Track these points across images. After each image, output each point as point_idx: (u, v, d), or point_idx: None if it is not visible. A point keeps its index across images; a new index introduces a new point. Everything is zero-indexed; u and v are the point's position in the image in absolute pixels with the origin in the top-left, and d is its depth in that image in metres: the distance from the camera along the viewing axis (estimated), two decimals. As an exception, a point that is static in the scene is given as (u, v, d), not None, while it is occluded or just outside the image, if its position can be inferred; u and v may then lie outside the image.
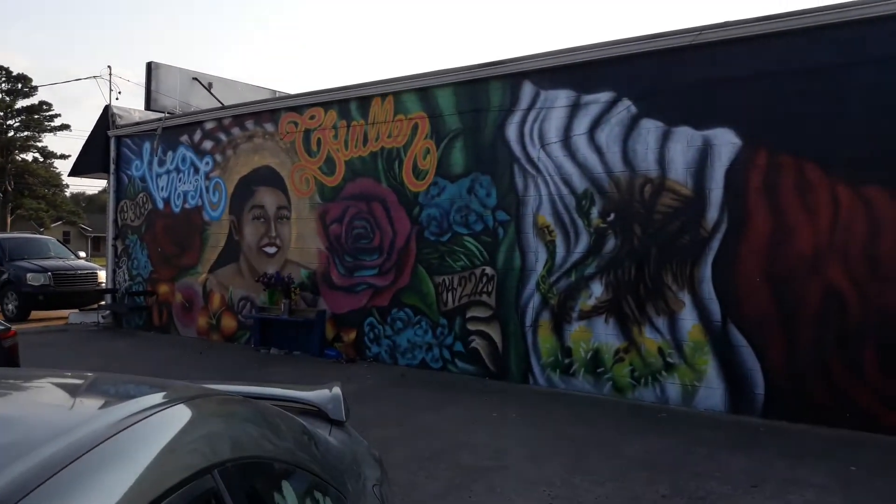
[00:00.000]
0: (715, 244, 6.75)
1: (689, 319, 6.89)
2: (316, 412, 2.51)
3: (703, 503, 4.37)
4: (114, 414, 1.31)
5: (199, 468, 1.24)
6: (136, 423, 1.27)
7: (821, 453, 5.37)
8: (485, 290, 8.27)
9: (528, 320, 7.92)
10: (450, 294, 8.55)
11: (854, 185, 6.09)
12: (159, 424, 1.32)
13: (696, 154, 6.86)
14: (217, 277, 11.19)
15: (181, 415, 1.43)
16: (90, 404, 1.56)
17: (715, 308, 6.74)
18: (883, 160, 5.98)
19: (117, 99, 13.30)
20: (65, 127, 49.09)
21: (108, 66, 14.07)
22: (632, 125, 7.24)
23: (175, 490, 1.14)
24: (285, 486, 1.60)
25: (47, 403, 1.54)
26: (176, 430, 1.35)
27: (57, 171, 50.77)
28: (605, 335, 7.37)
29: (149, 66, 12.48)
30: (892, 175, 5.94)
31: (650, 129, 7.12)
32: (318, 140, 9.86)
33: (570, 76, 7.65)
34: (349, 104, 9.52)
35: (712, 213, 6.77)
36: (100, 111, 13.21)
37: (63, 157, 50.59)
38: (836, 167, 6.17)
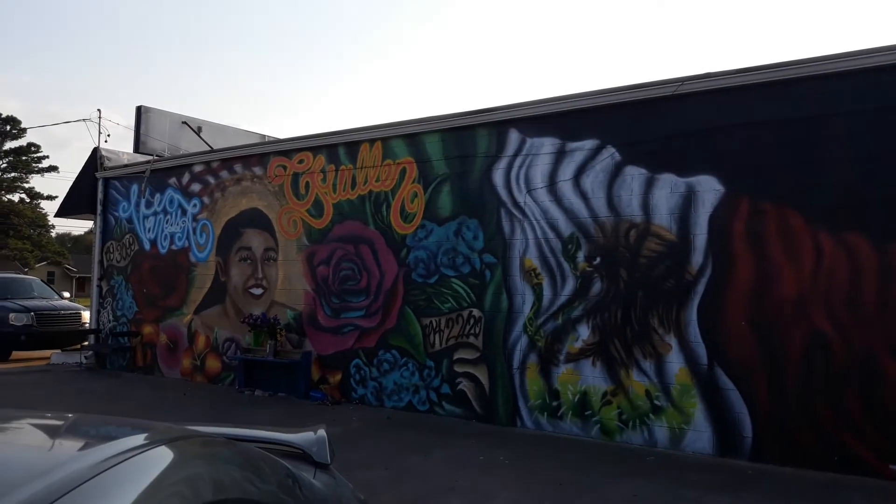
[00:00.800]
0: (700, 288, 6.81)
1: (675, 362, 6.91)
2: (300, 455, 2.49)
3: (691, 549, 4.33)
4: (94, 455, 1.30)
5: None
6: (116, 464, 1.26)
7: (809, 497, 5.35)
8: (472, 331, 8.27)
9: (516, 362, 7.91)
10: (437, 336, 8.54)
11: (835, 231, 6.20)
12: (140, 466, 1.31)
13: (679, 200, 6.97)
14: (202, 318, 11.12)
15: (162, 457, 1.42)
16: (70, 445, 1.54)
17: (701, 351, 6.77)
18: (861, 208, 6.10)
19: (106, 141, 13.36)
20: (52, 168, 49.16)
21: (98, 110, 14.19)
22: (616, 172, 7.35)
23: None
24: (268, 528, 1.59)
25: (26, 444, 1.53)
26: (157, 472, 1.33)
27: (43, 211, 50.61)
28: (593, 378, 7.37)
29: (139, 109, 12.60)
30: (871, 222, 6.05)
31: (634, 175, 7.24)
32: (307, 183, 9.93)
33: (555, 124, 7.79)
34: (338, 149, 9.62)
35: (697, 258, 6.85)
36: (88, 153, 13.29)
37: (50, 197, 50.53)
38: (817, 214, 6.28)
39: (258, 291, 10.46)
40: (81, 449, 1.47)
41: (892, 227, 5.96)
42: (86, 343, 13.11)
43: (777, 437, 6.34)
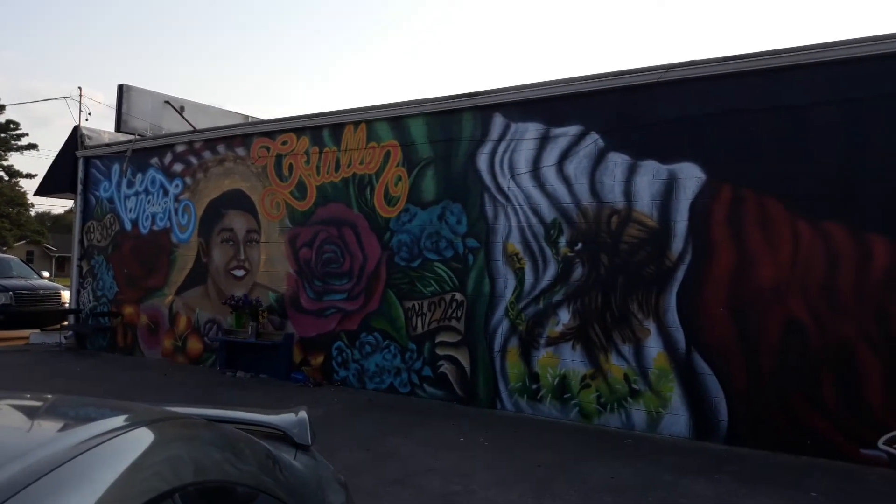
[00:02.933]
0: (680, 274, 6.89)
1: (654, 347, 6.99)
2: (281, 436, 2.52)
3: (666, 530, 4.42)
4: (73, 437, 1.30)
5: (160, 492, 1.24)
6: (95, 446, 1.26)
7: (782, 480, 5.46)
8: (454, 315, 8.31)
9: (497, 346, 7.97)
10: (419, 319, 8.58)
11: (813, 220, 6.28)
12: (120, 448, 1.32)
13: (661, 187, 7.03)
14: (184, 299, 11.08)
15: (143, 438, 1.43)
16: (48, 427, 1.54)
17: (679, 336, 6.86)
18: (840, 197, 6.19)
19: (87, 120, 13.27)
20: (32, 147, 48.35)
21: (79, 88, 13.99)
22: (599, 158, 7.39)
23: None
24: (248, 509, 1.61)
25: (3, 426, 1.52)
26: (137, 453, 1.34)
27: (22, 190, 49.88)
28: (573, 361, 7.44)
29: (120, 88, 12.42)
30: (850, 211, 6.14)
31: (617, 162, 7.28)
32: (290, 165, 9.88)
33: (539, 109, 7.80)
34: (322, 131, 9.57)
35: (677, 245, 6.91)
36: (69, 132, 13.10)
37: (29, 176, 49.77)
38: (797, 203, 6.36)
39: (240, 273, 10.43)
40: (60, 431, 1.47)
41: (869, 217, 6.06)
42: (66, 323, 13.01)
43: (752, 422, 6.46)
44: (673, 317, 6.90)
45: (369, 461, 5.75)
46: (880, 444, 5.90)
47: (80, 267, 12.75)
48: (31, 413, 1.68)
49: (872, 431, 5.94)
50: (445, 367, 8.33)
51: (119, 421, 1.47)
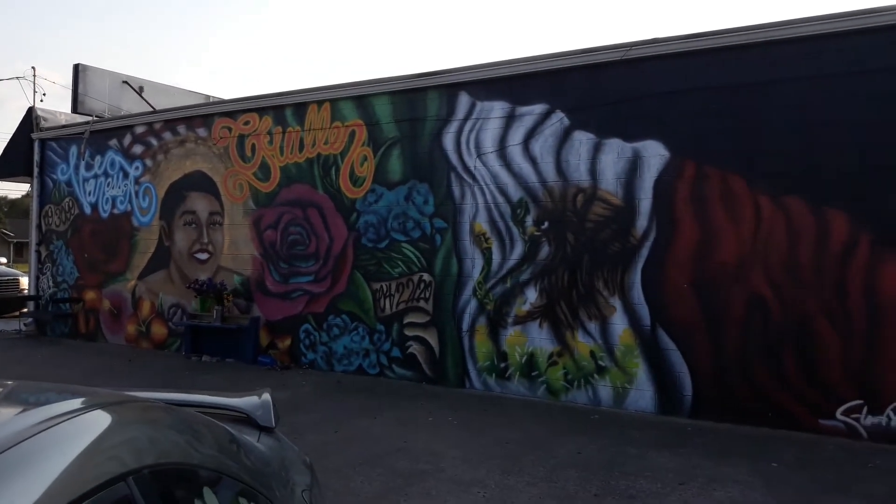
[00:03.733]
0: (644, 251, 6.96)
1: (619, 324, 7.07)
2: (245, 419, 2.49)
3: (634, 501, 4.49)
4: (22, 421, 1.27)
5: (112, 475, 1.21)
6: (45, 429, 1.23)
7: (744, 451, 5.58)
8: (422, 296, 8.30)
9: (465, 325, 7.99)
10: (387, 300, 8.55)
11: (775, 196, 6.38)
12: (71, 431, 1.28)
13: (626, 165, 7.07)
14: (147, 284, 10.89)
15: (96, 421, 1.40)
16: (1, 412, 1.50)
17: (644, 313, 6.94)
18: (801, 174, 6.29)
19: (42, 101, 12.90)
20: (-15, 128, 46.91)
21: (32, 67, 13.59)
22: (565, 136, 7.40)
23: (85, 498, 1.10)
24: (207, 492, 1.58)
25: None
26: (89, 436, 1.31)
27: (-24, 173, 48.45)
28: (540, 340, 7.50)
29: (76, 67, 12.08)
30: (810, 188, 6.24)
31: (582, 140, 7.30)
32: (253, 146, 9.73)
33: (505, 88, 7.77)
34: (284, 110, 9.43)
35: (642, 222, 6.97)
36: (23, 114, 12.71)
37: (-17, 159, 48.34)
38: (758, 179, 6.45)
39: (204, 256, 10.28)
40: (8, 415, 1.43)
41: (829, 193, 6.16)
42: (25, 310, 12.72)
43: (716, 396, 6.58)
44: (638, 294, 6.97)
45: (338, 442, 5.74)
46: (838, 414, 6.06)
47: (38, 252, 12.45)
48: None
49: (831, 403, 6.09)
50: (414, 348, 8.33)
51: (72, 404, 1.43)
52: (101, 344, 11.29)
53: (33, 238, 12.52)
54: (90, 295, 11.61)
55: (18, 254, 51.51)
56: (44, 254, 12.38)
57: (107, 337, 11.36)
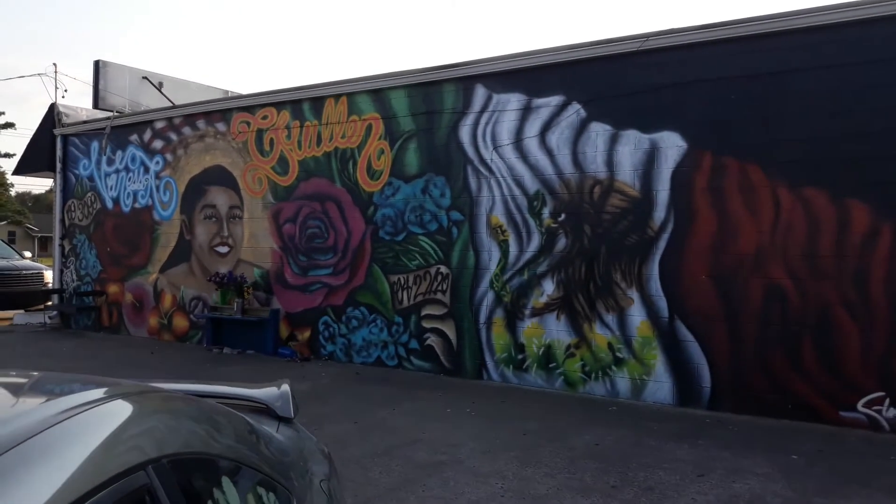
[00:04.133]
0: (662, 243, 6.93)
1: (637, 316, 7.05)
2: (264, 410, 2.53)
3: (652, 493, 4.49)
4: (46, 410, 1.30)
5: (131, 464, 1.24)
6: (68, 418, 1.26)
7: (764, 443, 5.56)
8: (439, 288, 8.33)
9: (482, 317, 8.01)
10: (405, 293, 8.59)
11: (794, 186, 6.32)
12: (93, 420, 1.31)
13: (643, 156, 7.03)
14: (168, 277, 11.03)
15: (117, 411, 1.43)
16: (20, 402, 1.54)
17: (662, 305, 6.92)
18: (820, 163, 6.22)
19: (63, 97, 12.98)
20: (9, 125, 47.56)
21: (54, 64, 13.75)
22: (581, 128, 7.38)
23: (105, 486, 1.13)
24: (226, 482, 1.61)
25: None
26: (110, 426, 1.34)
27: (1, 169, 49.19)
28: (557, 331, 7.50)
29: (97, 64, 12.21)
30: (829, 177, 6.18)
31: (599, 132, 7.27)
32: (271, 140, 9.79)
33: (521, 80, 7.76)
34: (302, 105, 9.48)
35: (659, 213, 6.94)
36: (46, 110, 12.87)
37: (7, 155, 49.07)
38: (777, 169, 6.39)
39: (224, 250, 10.38)
40: (30, 405, 1.46)
41: (848, 182, 6.10)
42: (49, 303, 12.93)
43: (734, 387, 6.55)
44: (656, 285, 6.95)
45: (357, 433, 5.79)
46: (860, 406, 6.01)
47: (62, 246, 12.64)
48: (10, 389, 1.67)
49: (852, 394, 6.04)
50: (432, 340, 8.37)
51: (94, 394, 1.46)
52: (123, 336, 11.46)
53: (57, 232, 12.70)
54: (113, 288, 11.78)
55: (43, 248, 52.28)
56: (67, 248, 12.56)
57: (129, 329, 11.52)
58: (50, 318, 12.59)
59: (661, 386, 6.91)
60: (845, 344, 6.09)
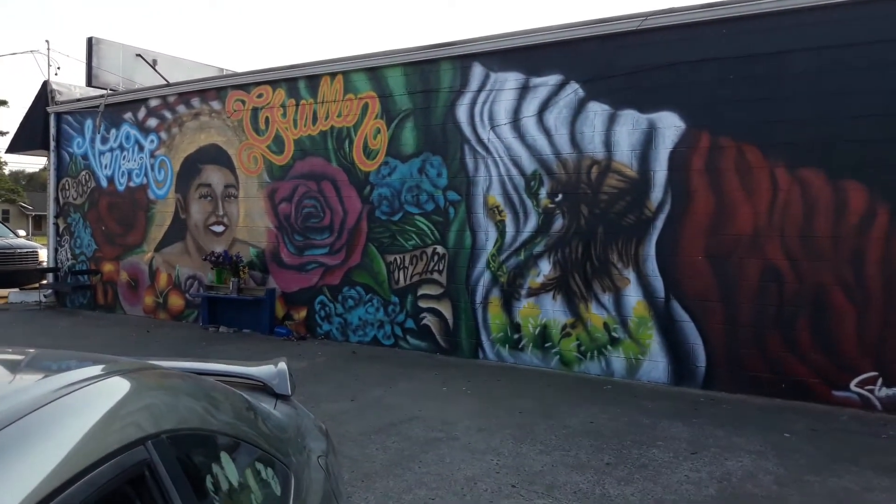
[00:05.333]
0: (659, 223, 6.93)
1: (633, 296, 7.07)
2: (262, 387, 2.53)
3: (646, 470, 4.53)
4: (43, 386, 1.29)
5: (131, 439, 1.24)
6: (65, 395, 1.26)
7: (757, 422, 5.61)
8: (436, 268, 8.33)
9: (479, 297, 8.03)
10: (401, 272, 8.59)
11: (791, 168, 6.32)
12: (91, 397, 1.31)
13: (641, 136, 7.01)
14: (163, 256, 11.01)
15: (115, 387, 1.43)
16: (22, 378, 1.54)
17: (658, 285, 6.94)
18: (818, 144, 6.21)
19: (56, 74, 12.84)
20: (2, 103, 47.15)
21: (46, 41, 13.59)
22: (579, 108, 7.34)
23: (105, 461, 1.14)
24: (224, 457, 1.62)
25: None
26: (109, 402, 1.34)
27: (-6, 147, 48.81)
28: (553, 311, 7.52)
29: (89, 41, 12.09)
30: (828, 159, 6.17)
31: (597, 111, 7.24)
32: (267, 118, 9.73)
33: (519, 59, 7.71)
34: (297, 83, 9.41)
35: (656, 194, 6.94)
36: (39, 87, 12.75)
37: (1, 133, 48.66)
38: (775, 150, 6.38)
39: (219, 229, 10.35)
40: (28, 382, 1.46)
41: (847, 164, 6.10)
42: (45, 282, 12.90)
43: (729, 367, 6.59)
44: (652, 265, 6.96)
45: (354, 411, 5.82)
46: (852, 386, 6.06)
47: (56, 225, 12.58)
48: (6, 366, 1.67)
49: (846, 374, 6.09)
50: (428, 320, 8.39)
51: (92, 371, 1.46)
52: (119, 315, 11.46)
53: (51, 211, 12.64)
54: (108, 267, 11.75)
55: (37, 227, 52.07)
56: (62, 226, 12.51)
57: (125, 308, 11.52)
58: (45, 296, 12.58)
59: (656, 365, 6.95)
60: (840, 324, 6.13)
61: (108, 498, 1.14)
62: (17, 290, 13.56)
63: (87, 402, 1.28)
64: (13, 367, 1.63)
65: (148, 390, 1.55)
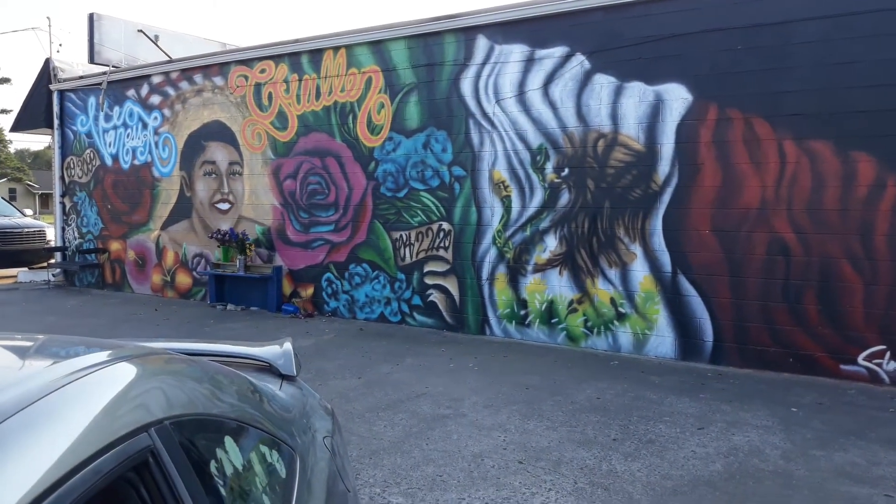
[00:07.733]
0: (666, 197, 6.88)
1: (640, 271, 7.05)
2: (267, 368, 2.53)
3: (653, 445, 4.54)
4: (50, 373, 1.30)
5: (134, 427, 1.25)
6: (70, 382, 1.26)
7: (765, 396, 5.61)
8: (442, 244, 8.31)
9: (485, 274, 8.01)
10: (407, 249, 8.58)
11: (799, 139, 6.24)
12: (95, 384, 1.32)
13: (647, 109, 6.93)
14: (170, 234, 11.02)
15: (119, 374, 1.43)
16: (27, 365, 1.54)
17: (665, 259, 6.90)
18: (827, 116, 6.13)
19: (58, 51, 12.77)
20: (5, 80, 47.09)
21: (48, 18, 13.50)
22: (585, 80, 7.25)
23: (108, 449, 1.14)
24: (229, 441, 1.62)
25: None
26: (112, 389, 1.34)
27: (-1, 126, 48.85)
28: (560, 287, 7.51)
29: (91, 17, 11.98)
30: (836, 130, 6.09)
31: (603, 84, 7.15)
32: (270, 94, 9.66)
33: (524, 31, 7.60)
34: (300, 57, 9.32)
35: (663, 168, 6.87)
36: (41, 64, 12.68)
37: (4, 111, 48.67)
38: (783, 122, 6.30)
39: (225, 206, 10.34)
40: (34, 369, 1.46)
41: (854, 135, 6.02)
42: (53, 261, 12.96)
43: (736, 341, 6.58)
44: (659, 240, 6.92)
45: (361, 387, 5.84)
46: (860, 359, 6.05)
47: (62, 204, 12.60)
48: (14, 352, 1.67)
49: (854, 348, 6.07)
50: (434, 296, 8.39)
51: (97, 357, 1.45)
52: (127, 293, 11.51)
53: (57, 190, 12.65)
54: (115, 245, 11.78)
55: (44, 205, 52.27)
56: (68, 205, 12.53)
57: (133, 286, 11.56)
58: (54, 275, 12.64)
59: (663, 340, 6.94)
60: (848, 298, 6.09)
61: (112, 486, 1.14)
62: (25, 269, 13.64)
63: (91, 390, 1.29)
64: (19, 353, 1.63)
65: (152, 376, 1.55)
